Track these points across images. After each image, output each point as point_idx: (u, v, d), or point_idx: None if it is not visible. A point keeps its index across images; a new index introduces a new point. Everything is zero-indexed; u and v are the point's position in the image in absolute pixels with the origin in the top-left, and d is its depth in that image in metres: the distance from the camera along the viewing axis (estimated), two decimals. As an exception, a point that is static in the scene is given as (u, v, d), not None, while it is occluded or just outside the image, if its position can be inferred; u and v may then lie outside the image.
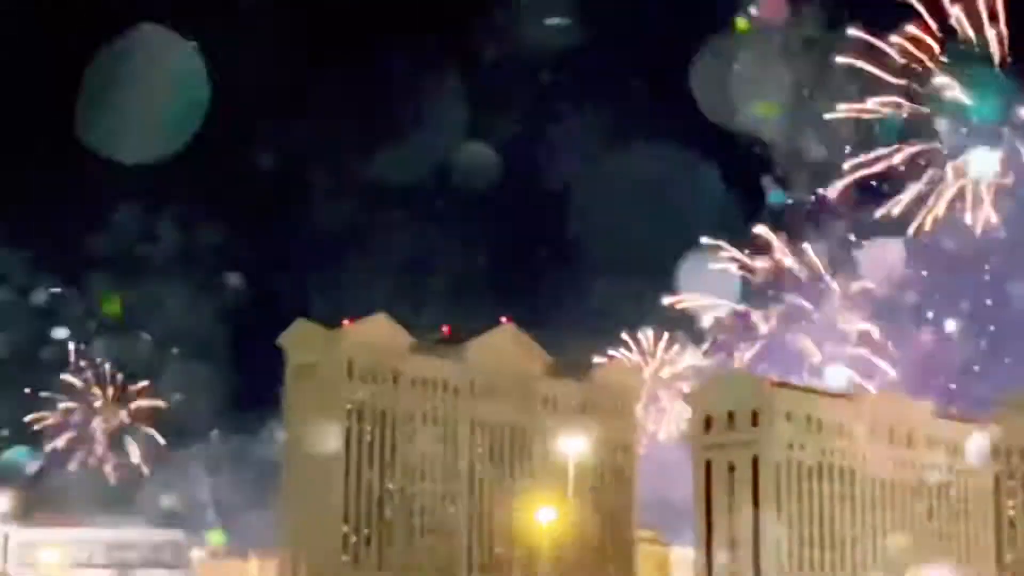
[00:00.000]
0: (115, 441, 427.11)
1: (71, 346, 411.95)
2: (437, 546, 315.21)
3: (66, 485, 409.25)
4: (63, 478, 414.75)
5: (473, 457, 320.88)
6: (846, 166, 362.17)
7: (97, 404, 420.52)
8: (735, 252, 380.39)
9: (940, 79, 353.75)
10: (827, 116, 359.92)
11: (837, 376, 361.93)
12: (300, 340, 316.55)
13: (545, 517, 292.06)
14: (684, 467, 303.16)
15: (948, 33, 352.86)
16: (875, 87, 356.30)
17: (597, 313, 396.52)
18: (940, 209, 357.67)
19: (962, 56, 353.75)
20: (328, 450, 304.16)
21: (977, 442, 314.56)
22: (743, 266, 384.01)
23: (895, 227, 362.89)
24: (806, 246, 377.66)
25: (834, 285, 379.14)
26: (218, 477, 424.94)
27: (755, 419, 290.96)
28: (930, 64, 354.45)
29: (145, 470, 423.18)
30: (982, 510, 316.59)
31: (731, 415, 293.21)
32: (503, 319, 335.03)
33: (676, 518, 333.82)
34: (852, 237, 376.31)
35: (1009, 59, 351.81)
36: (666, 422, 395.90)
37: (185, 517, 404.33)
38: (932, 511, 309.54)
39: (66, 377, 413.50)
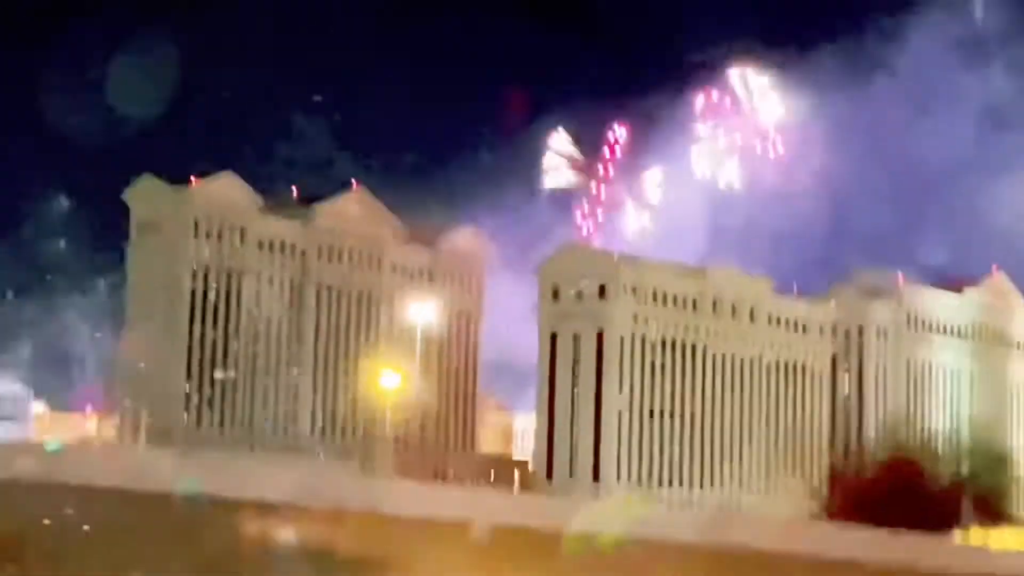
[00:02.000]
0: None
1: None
2: (280, 408, 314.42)
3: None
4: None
5: (319, 320, 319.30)
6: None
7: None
8: None
9: None
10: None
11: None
12: (146, 196, 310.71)
13: (389, 382, 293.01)
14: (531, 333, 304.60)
15: None
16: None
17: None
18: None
19: None
20: (171, 308, 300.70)
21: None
22: None
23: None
24: None
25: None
26: (55, 329, 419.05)
27: (602, 292, 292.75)
28: None
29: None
30: (819, 388, 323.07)
31: (579, 291, 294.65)
32: (354, 182, 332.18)
33: (521, 382, 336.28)
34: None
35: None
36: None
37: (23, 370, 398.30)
38: (771, 388, 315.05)
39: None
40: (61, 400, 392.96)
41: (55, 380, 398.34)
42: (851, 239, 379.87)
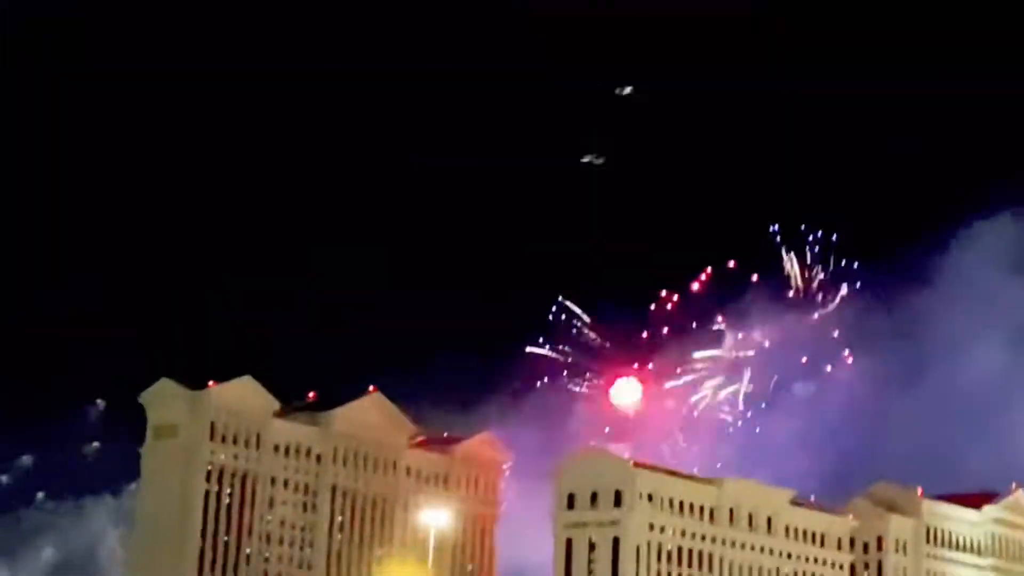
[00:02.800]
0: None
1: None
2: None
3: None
4: None
5: (333, 525, 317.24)
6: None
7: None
8: None
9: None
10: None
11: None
12: (162, 399, 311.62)
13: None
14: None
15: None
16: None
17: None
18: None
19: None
20: (185, 512, 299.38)
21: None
22: None
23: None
24: None
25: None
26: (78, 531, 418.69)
27: (617, 499, 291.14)
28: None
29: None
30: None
31: (594, 494, 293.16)
32: (371, 388, 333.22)
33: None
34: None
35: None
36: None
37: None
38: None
39: None
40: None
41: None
42: (875, 452, 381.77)
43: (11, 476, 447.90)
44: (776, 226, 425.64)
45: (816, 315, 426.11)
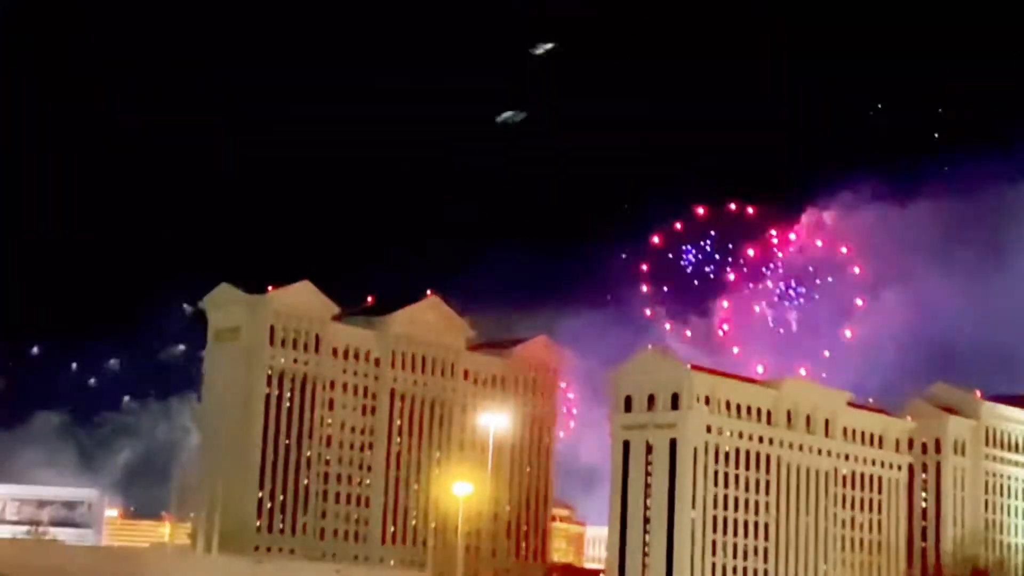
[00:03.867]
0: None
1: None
2: (352, 515, 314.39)
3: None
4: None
5: (392, 428, 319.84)
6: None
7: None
8: None
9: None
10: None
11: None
12: (222, 304, 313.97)
13: (462, 491, 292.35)
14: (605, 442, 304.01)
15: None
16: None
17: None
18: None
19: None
20: (246, 414, 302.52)
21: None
22: None
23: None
24: None
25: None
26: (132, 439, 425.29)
27: (675, 402, 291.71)
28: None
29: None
30: (895, 501, 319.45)
31: (651, 397, 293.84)
32: (428, 292, 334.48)
33: (594, 490, 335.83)
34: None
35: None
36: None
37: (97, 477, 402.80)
38: (847, 499, 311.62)
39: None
40: (143, 503, 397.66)
41: (137, 484, 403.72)
42: (935, 353, 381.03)
43: (98, 379, 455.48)
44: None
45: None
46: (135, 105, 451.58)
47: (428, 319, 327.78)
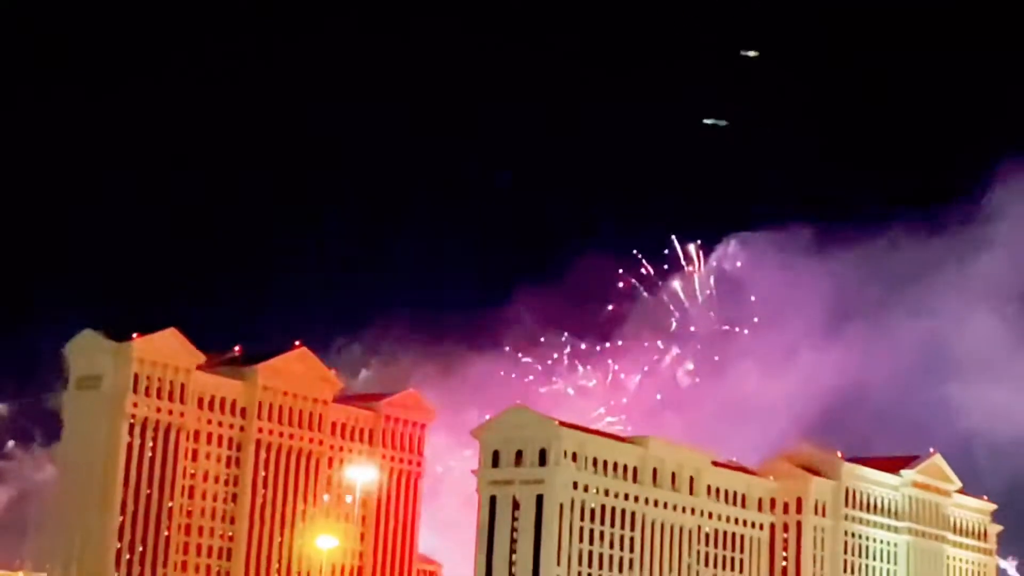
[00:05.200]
0: None
1: None
2: (214, 568, 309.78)
3: None
4: None
5: (257, 480, 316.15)
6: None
7: None
8: None
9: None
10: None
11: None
12: (85, 350, 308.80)
13: (326, 544, 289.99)
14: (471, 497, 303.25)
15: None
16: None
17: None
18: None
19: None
20: (108, 464, 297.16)
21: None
22: None
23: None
24: None
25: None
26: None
27: (542, 458, 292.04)
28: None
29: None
30: (756, 559, 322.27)
31: (519, 452, 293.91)
32: (296, 343, 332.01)
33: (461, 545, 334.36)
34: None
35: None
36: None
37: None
38: (710, 557, 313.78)
39: None
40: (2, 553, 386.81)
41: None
42: (801, 415, 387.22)
43: None
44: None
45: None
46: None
47: (296, 370, 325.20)
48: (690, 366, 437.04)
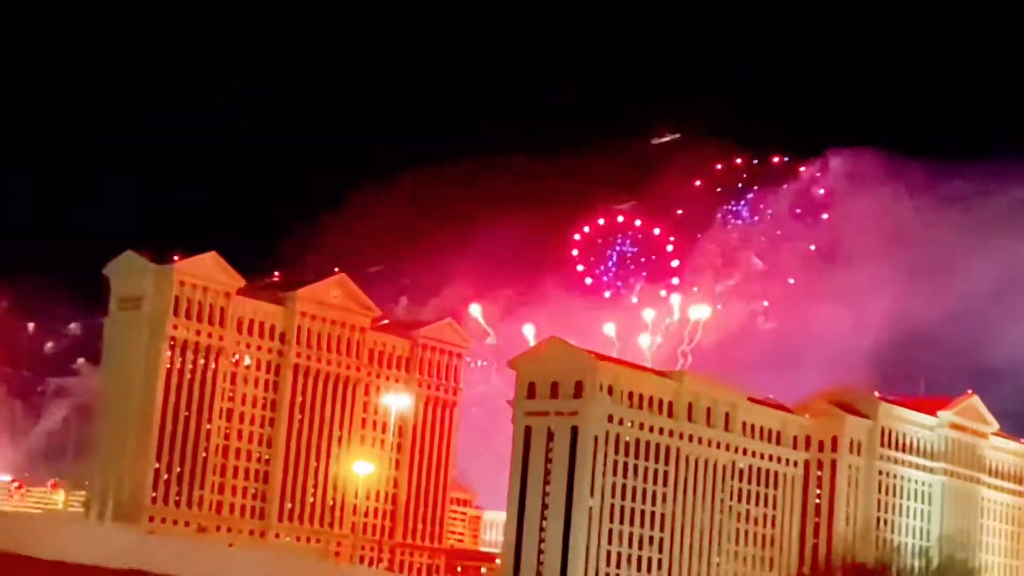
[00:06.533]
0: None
1: None
2: (250, 490, 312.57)
3: None
4: None
5: (294, 404, 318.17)
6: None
7: None
8: None
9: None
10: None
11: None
12: (126, 271, 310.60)
13: (362, 470, 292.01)
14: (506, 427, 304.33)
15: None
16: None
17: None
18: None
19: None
20: (147, 385, 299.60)
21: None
22: None
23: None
24: None
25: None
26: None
27: (578, 390, 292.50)
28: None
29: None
30: (790, 496, 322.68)
31: (554, 384, 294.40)
32: (336, 269, 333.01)
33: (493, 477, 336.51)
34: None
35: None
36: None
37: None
38: (743, 493, 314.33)
39: None
40: (35, 471, 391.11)
41: (29, 452, 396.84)
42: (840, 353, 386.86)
43: (56, 343, 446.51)
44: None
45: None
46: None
47: (335, 297, 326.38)
48: (765, 302, 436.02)
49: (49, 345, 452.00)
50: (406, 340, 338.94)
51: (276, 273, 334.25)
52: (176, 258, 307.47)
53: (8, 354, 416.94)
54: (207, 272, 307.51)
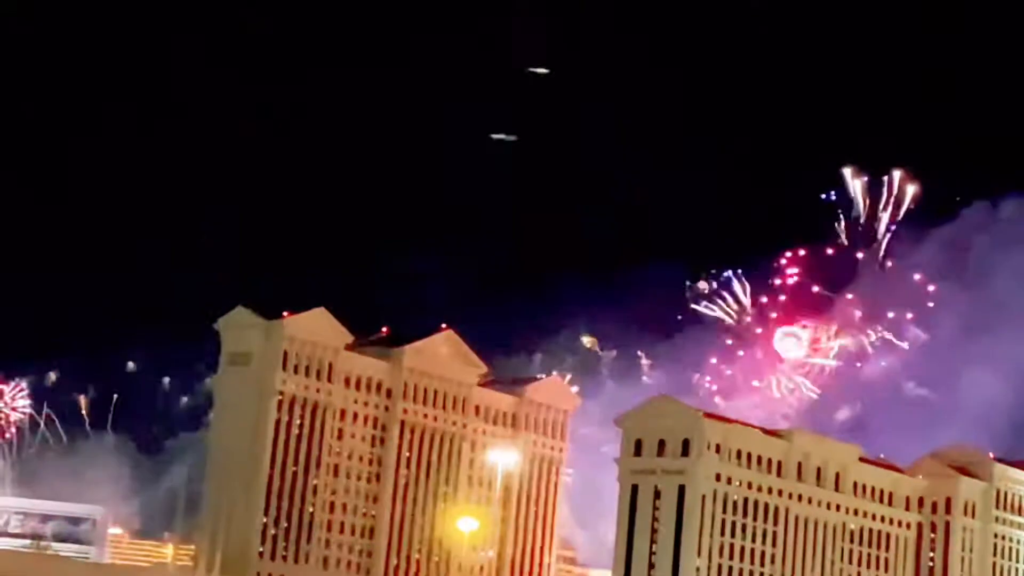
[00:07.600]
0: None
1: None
2: (356, 546, 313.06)
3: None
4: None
5: (400, 460, 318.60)
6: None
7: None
8: None
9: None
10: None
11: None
12: (237, 327, 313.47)
13: (466, 526, 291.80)
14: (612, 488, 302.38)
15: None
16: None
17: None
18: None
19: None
20: (256, 440, 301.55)
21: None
22: None
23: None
24: None
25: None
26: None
27: (685, 448, 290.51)
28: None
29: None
30: (902, 559, 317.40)
31: (661, 442, 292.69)
32: (443, 325, 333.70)
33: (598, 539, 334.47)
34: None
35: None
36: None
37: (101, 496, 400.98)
38: (854, 555, 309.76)
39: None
40: (144, 524, 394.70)
41: (140, 504, 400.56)
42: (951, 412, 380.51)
43: (191, 398, 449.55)
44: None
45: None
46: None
47: (442, 353, 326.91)
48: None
49: (184, 400, 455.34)
50: (513, 396, 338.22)
51: (384, 328, 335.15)
52: (285, 314, 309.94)
53: (143, 410, 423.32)
54: (316, 327, 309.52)
